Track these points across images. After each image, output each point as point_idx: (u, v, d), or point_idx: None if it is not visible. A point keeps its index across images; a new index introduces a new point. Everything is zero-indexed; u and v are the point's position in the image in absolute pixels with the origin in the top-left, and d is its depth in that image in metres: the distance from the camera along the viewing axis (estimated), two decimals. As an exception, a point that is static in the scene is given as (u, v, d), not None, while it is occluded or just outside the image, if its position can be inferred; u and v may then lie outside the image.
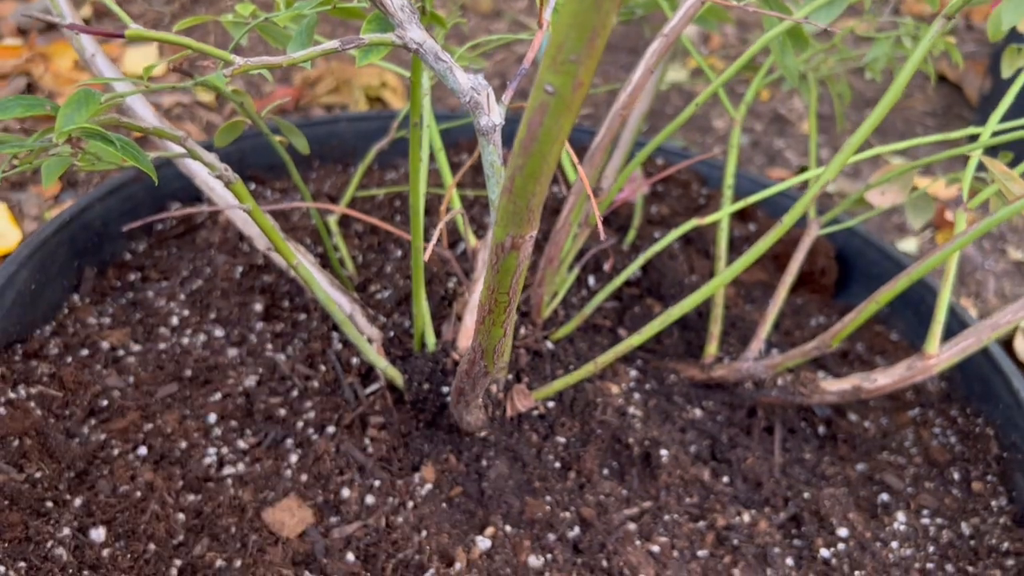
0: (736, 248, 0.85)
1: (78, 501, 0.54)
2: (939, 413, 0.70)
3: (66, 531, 0.52)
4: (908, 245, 1.24)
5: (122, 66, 1.31)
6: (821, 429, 0.68)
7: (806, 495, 0.61)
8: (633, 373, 0.67)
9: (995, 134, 0.57)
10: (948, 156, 0.57)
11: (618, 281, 0.65)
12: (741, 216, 0.89)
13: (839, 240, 0.84)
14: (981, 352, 0.67)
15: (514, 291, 0.37)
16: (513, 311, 0.39)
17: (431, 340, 0.62)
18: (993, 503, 0.63)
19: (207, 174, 0.68)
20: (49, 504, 0.53)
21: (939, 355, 0.59)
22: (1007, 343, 0.89)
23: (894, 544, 0.59)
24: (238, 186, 0.49)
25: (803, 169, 1.27)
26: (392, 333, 0.66)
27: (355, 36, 0.41)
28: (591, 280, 0.75)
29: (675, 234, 0.62)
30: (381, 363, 0.60)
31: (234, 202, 0.65)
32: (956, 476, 0.65)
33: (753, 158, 1.36)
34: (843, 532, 0.59)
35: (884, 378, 0.61)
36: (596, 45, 0.27)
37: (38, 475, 0.55)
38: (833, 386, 0.63)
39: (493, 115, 0.43)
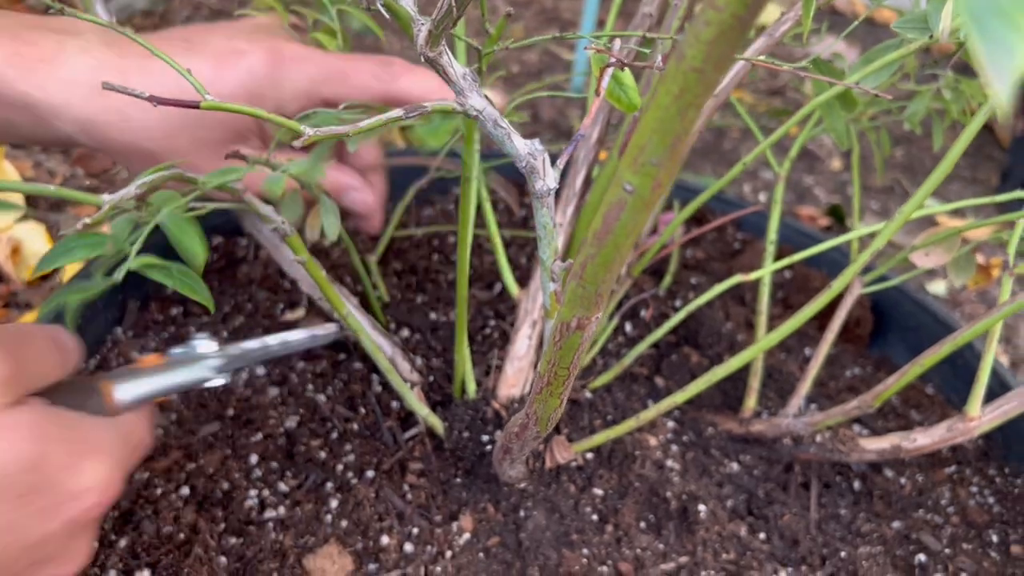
0: (772, 294, 0.85)
1: (123, 542, 0.55)
2: (977, 472, 0.70)
3: (112, 573, 0.53)
4: (937, 288, 1.23)
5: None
6: (857, 484, 0.68)
7: (843, 554, 0.61)
8: (671, 424, 0.67)
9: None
10: (999, 221, 0.57)
11: (659, 333, 0.65)
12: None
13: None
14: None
15: (574, 366, 0.37)
16: (571, 383, 0.39)
17: (471, 387, 0.62)
18: (1032, 567, 0.62)
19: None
20: (95, 544, 0.54)
21: (980, 418, 0.59)
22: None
23: (932, 608, 0.59)
24: (293, 239, 0.50)
25: (833, 208, 1.27)
26: (432, 377, 0.66)
27: (419, 104, 0.42)
28: (628, 327, 0.76)
29: (718, 289, 0.62)
30: (423, 411, 0.60)
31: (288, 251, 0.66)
32: (994, 539, 0.65)
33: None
34: (881, 594, 0.58)
35: (924, 438, 0.61)
36: (678, 150, 0.27)
37: (84, 515, 0.55)
38: (872, 444, 0.63)
39: (548, 180, 0.43)
